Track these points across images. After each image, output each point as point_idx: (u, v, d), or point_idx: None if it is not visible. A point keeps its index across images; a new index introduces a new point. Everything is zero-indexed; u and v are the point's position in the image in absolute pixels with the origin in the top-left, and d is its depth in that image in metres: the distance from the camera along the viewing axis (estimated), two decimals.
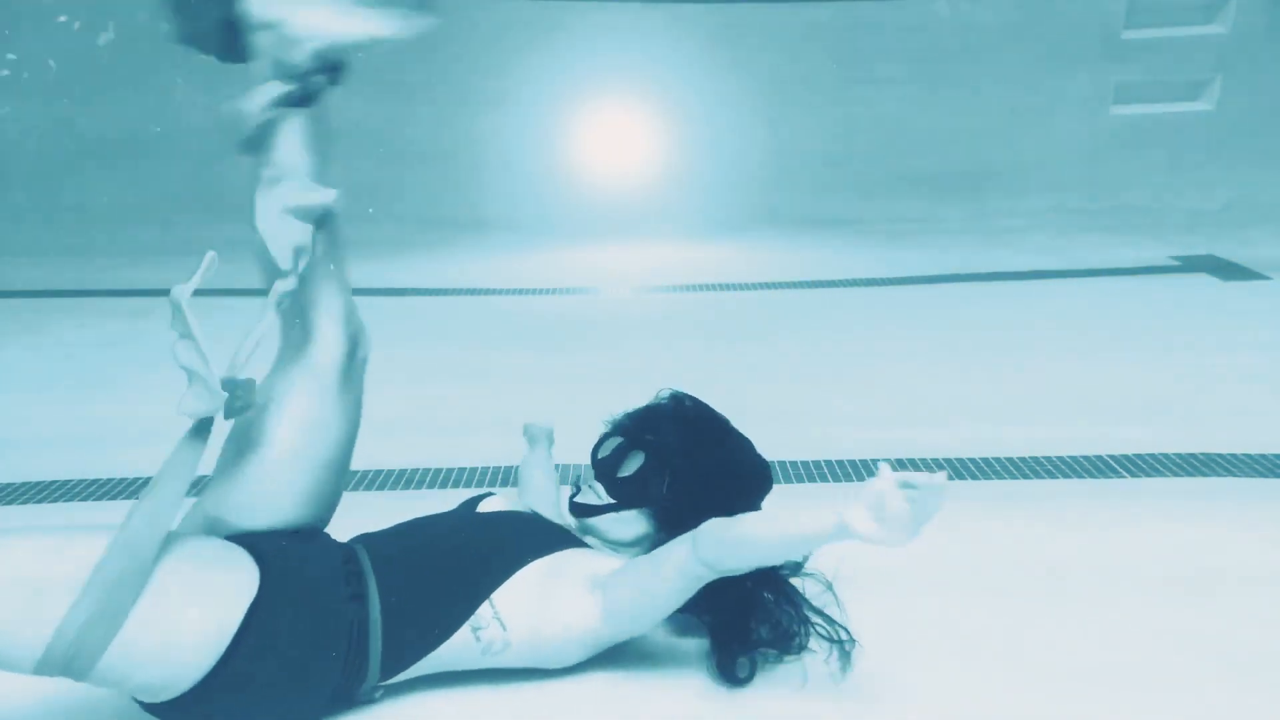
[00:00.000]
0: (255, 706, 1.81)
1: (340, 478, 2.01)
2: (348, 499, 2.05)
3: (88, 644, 1.66)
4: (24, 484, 3.25)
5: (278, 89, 1.90)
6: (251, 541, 1.87)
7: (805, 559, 2.16)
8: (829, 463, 3.30)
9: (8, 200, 7.22)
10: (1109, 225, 7.17)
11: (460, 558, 1.99)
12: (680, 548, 1.93)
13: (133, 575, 1.69)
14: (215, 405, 1.75)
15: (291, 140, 1.92)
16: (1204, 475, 3.17)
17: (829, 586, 2.11)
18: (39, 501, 3.15)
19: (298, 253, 1.88)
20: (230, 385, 1.77)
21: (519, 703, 2.00)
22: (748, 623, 2.06)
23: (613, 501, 2.15)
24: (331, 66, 1.94)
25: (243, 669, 1.75)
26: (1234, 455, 3.29)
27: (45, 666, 1.67)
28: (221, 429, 1.87)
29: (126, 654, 1.68)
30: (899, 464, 1.84)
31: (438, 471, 3.31)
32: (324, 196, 1.90)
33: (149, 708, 1.82)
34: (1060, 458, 3.31)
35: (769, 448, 2.23)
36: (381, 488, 3.19)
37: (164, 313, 1.73)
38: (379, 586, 1.91)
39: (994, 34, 7.43)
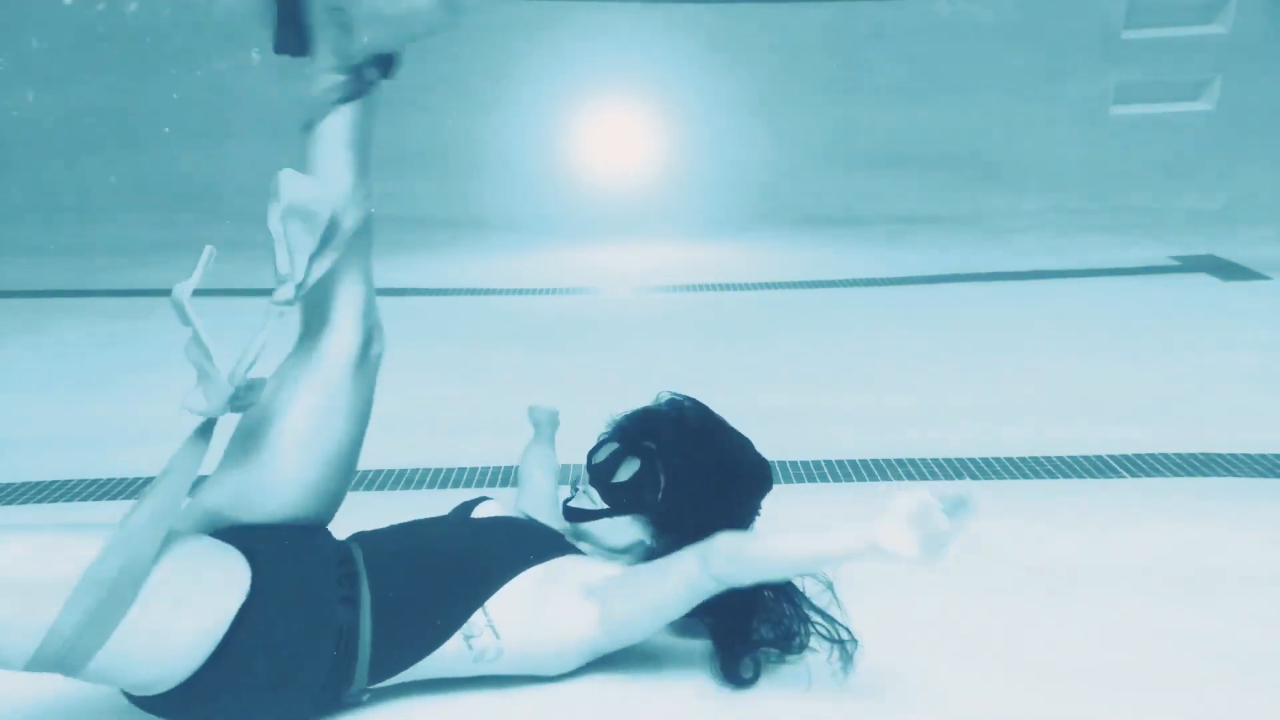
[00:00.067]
0: (241, 705, 1.81)
1: (346, 475, 2.00)
2: (347, 498, 2.05)
3: (82, 642, 1.65)
4: (24, 484, 3.25)
5: (337, 78, 1.92)
6: (248, 539, 1.86)
7: None
8: (829, 463, 3.30)
9: (8, 200, 7.22)
10: (1109, 225, 7.17)
11: (455, 565, 1.98)
12: (689, 562, 1.91)
13: (130, 575, 1.68)
14: (220, 402, 1.75)
15: (337, 133, 1.93)
16: (1204, 475, 3.17)
17: (829, 586, 2.10)
18: (39, 501, 3.15)
19: (306, 259, 1.85)
20: (238, 383, 1.76)
21: (519, 703, 1.99)
22: (749, 623, 2.05)
23: (606, 507, 2.14)
24: (385, 60, 1.95)
25: (231, 668, 1.75)
26: (1234, 455, 3.29)
27: (37, 664, 1.67)
28: (224, 429, 1.87)
29: (118, 652, 1.68)
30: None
31: (437, 471, 3.31)
32: (325, 201, 1.87)
33: (137, 701, 1.82)
34: (1060, 458, 3.31)
35: (769, 448, 2.23)
36: (381, 487, 3.19)
37: (165, 313, 1.72)
38: (372, 590, 1.89)
39: (994, 34, 7.43)
